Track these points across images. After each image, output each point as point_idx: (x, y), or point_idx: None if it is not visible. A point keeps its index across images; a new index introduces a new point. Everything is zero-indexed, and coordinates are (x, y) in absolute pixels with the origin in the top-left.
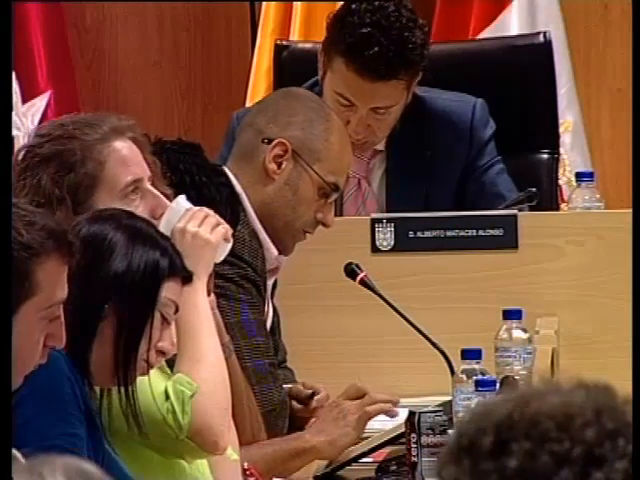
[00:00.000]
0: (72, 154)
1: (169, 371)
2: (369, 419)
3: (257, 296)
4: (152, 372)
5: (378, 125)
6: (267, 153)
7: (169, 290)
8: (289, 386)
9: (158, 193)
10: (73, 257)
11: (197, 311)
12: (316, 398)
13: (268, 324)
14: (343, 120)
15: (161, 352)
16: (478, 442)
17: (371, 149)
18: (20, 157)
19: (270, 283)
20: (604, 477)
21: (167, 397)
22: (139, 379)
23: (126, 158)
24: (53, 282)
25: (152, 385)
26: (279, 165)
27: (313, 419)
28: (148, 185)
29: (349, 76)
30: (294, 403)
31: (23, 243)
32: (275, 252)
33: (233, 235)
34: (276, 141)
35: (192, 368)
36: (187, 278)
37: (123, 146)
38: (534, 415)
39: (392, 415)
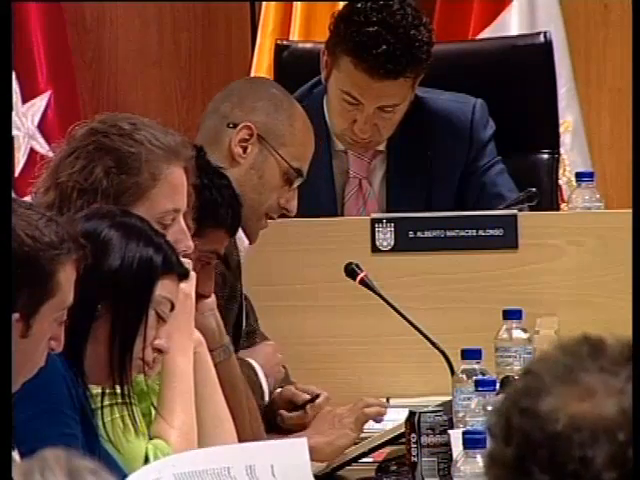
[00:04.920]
0: (133, 159)
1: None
2: (367, 421)
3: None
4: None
5: (383, 124)
6: (232, 137)
7: (164, 288)
8: (279, 390)
9: (186, 231)
10: (84, 262)
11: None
12: (317, 402)
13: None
14: (349, 119)
15: (158, 350)
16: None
17: (372, 149)
18: (82, 132)
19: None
20: None
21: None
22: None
23: (176, 186)
24: (70, 284)
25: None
26: (244, 149)
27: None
28: (181, 219)
29: (357, 75)
30: (284, 411)
31: (47, 243)
32: (246, 242)
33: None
34: (241, 125)
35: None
36: (183, 275)
37: (178, 174)
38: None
39: (378, 420)
